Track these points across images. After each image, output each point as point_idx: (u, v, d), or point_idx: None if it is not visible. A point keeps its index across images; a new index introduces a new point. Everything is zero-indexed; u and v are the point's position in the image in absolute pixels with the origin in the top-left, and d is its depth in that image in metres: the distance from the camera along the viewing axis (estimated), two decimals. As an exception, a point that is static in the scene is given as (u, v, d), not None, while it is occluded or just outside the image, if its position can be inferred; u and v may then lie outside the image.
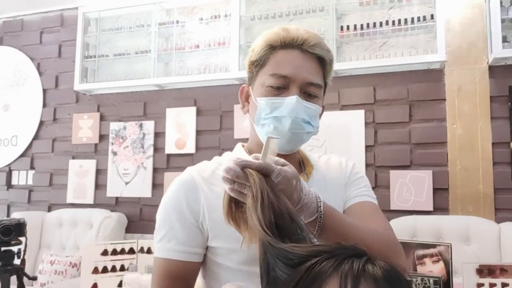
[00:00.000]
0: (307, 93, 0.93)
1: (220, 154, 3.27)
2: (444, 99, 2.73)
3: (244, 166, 0.72)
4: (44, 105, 3.73)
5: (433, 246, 1.81)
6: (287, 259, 0.54)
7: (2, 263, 1.74)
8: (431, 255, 1.80)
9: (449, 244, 1.74)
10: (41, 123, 3.72)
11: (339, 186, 1.02)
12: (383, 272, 0.50)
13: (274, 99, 0.92)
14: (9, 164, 3.76)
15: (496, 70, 2.64)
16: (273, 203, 0.66)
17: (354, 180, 1.05)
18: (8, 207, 3.70)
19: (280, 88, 0.92)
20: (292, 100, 0.90)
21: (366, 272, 0.49)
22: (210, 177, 0.94)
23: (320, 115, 1.00)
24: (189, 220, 0.90)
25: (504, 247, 2.38)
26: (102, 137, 3.51)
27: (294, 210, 0.69)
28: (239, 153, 1.01)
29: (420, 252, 1.84)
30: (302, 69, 0.92)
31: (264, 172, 0.72)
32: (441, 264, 1.76)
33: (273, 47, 0.94)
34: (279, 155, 0.88)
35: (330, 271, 0.50)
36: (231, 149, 3.20)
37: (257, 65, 0.96)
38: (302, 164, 1.05)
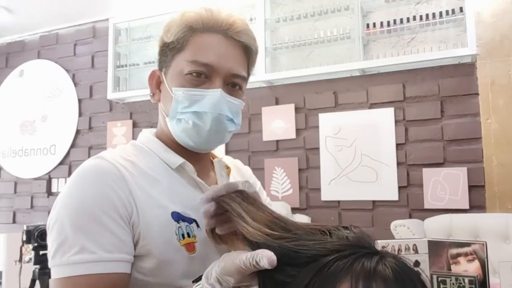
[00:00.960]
0: (231, 85, 0.83)
1: (250, 158, 3.27)
2: (477, 94, 2.64)
3: (214, 199, 0.70)
4: (80, 115, 3.86)
5: (467, 244, 1.75)
6: (295, 258, 0.53)
7: (41, 266, 1.83)
8: (466, 254, 1.75)
9: (484, 242, 1.69)
10: (78, 132, 3.86)
11: None
12: (394, 273, 0.49)
13: (195, 90, 0.79)
14: (48, 172, 3.92)
15: (532, 61, 2.54)
16: (257, 209, 0.65)
17: (259, 189, 1.01)
18: (49, 213, 3.84)
19: (201, 78, 0.80)
20: (216, 94, 0.79)
21: (377, 274, 0.49)
22: (132, 168, 0.77)
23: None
24: (123, 218, 0.71)
25: (546, 245, 2.28)
26: (135, 143, 3.60)
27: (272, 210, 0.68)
28: (152, 142, 0.86)
29: (454, 251, 1.79)
30: (227, 58, 0.81)
31: (232, 190, 0.71)
32: (476, 263, 1.70)
33: (193, 29, 0.81)
34: (193, 154, 0.85)
35: (341, 273, 0.49)
36: (260, 152, 3.18)
37: (172, 48, 0.83)
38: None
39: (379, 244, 1.62)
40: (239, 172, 1.02)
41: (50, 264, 0.72)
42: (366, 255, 0.51)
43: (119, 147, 0.84)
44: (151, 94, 0.89)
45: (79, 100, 3.88)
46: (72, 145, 3.85)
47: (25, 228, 1.72)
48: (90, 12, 3.75)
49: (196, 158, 0.87)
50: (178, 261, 0.75)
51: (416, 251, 1.72)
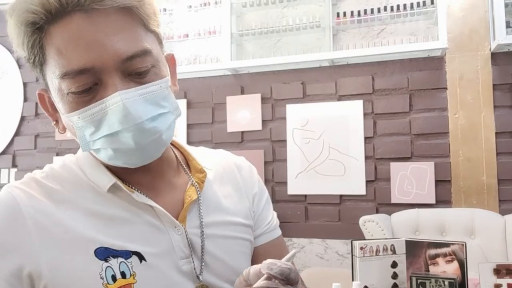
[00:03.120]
0: (135, 72, 0.59)
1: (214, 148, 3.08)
2: (446, 88, 2.63)
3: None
4: (25, 99, 3.54)
5: (446, 245, 1.71)
6: None
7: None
8: (445, 255, 1.71)
9: (464, 243, 1.65)
10: (23, 118, 3.53)
11: (239, 204, 0.76)
12: None
13: (90, 109, 0.57)
14: (-11, 162, 3.58)
15: (499, 57, 2.55)
16: None
17: (264, 202, 0.81)
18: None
19: (89, 89, 0.57)
20: (115, 101, 0.56)
21: None
22: (46, 197, 0.61)
23: (174, 79, 0.68)
24: (7, 277, 0.56)
25: (510, 239, 2.31)
26: (88, 132, 3.35)
27: None
28: (84, 159, 0.67)
29: (433, 251, 1.75)
30: (104, 43, 0.56)
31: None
32: (455, 264, 1.67)
33: (38, 26, 0.56)
34: (128, 170, 0.64)
35: None
36: (224, 144, 3.03)
37: (33, 62, 0.60)
38: (183, 164, 0.74)
39: (358, 245, 1.52)
40: (231, 176, 0.78)
41: None
42: None
43: (46, 168, 0.66)
44: (54, 122, 0.66)
45: (24, 84, 3.55)
46: (16, 133, 3.53)
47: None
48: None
49: (146, 168, 0.65)
50: None
51: (394, 251, 1.66)
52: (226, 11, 2.94)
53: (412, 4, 2.67)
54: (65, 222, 0.59)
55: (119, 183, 0.63)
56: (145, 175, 0.67)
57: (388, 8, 2.72)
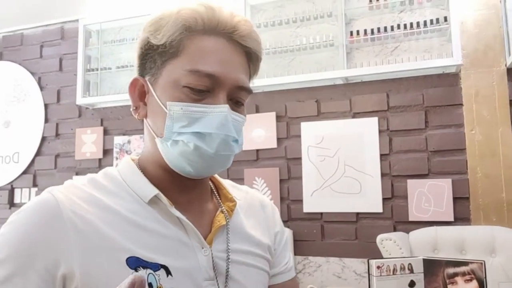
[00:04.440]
0: (235, 100, 0.69)
1: (228, 168, 3.12)
2: (461, 104, 2.62)
3: None
4: (46, 121, 3.63)
5: (465, 263, 1.69)
6: None
7: None
8: (463, 274, 1.68)
9: (483, 262, 1.62)
10: (43, 139, 3.62)
11: (261, 237, 0.79)
12: None
13: (196, 106, 0.65)
14: (11, 182, 3.66)
15: (515, 73, 2.53)
16: None
17: (284, 242, 0.86)
18: (11, 226, 3.59)
19: (203, 91, 0.66)
20: (223, 111, 0.66)
21: None
22: (86, 204, 0.64)
23: None
24: (38, 271, 0.58)
25: (532, 258, 2.25)
26: (106, 151, 3.41)
27: None
28: (126, 169, 0.72)
29: (451, 270, 1.72)
30: (233, 67, 0.68)
31: None
32: (474, 283, 1.64)
33: (191, 30, 0.67)
34: (183, 181, 0.70)
35: None
36: (239, 162, 3.04)
37: (163, 52, 0.68)
38: (215, 192, 0.80)
39: (375, 264, 1.51)
40: (254, 211, 0.82)
41: None
42: None
43: (86, 177, 0.70)
44: (134, 108, 0.72)
45: (46, 105, 3.64)
46: (37, 153, 3.61)
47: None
48: (59, 12, 3.53)
49: (188, 185, 0.71)
50: None
51: (411, 270, 1.64)
52: (240, 31, 2.98)
53: (425, 22, 2.68)
54: (102, 229, 0.62)
55: (161, 195, 0.68)
56: (183, 193, 0.71)
57: (402, 26, 2.74)
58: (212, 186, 0.80)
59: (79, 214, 0.62)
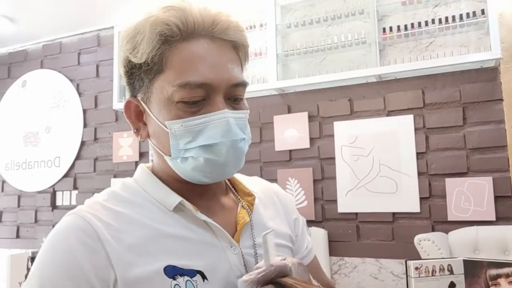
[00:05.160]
0: (233, 97, 0.67)
1: (262, 169, 3.12)
2: (501, 99, 2.52)
3: (263, 283, 0.59)
4: (85, 125, 3.76)
5: (508, 265, 1.63)
6: None
7: None
8: (507, 275, 1.62)
9: (528, 263, 1.56)
10: (82, 143, 3.75)
11: (281, 227, 0.80)
12: None
13: (195, 119, 0.63)
14: (53, 185, 3.80)
15: (560, 65, 2.42)
16: None
17: (302, 226, 0.86)
18: (54, 228, 3.73)
19: (199, 102, 0.64)
20: (223, 117, 0.64)
21: None
22: (114, 221, 0.64)
23: None
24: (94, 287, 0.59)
25: None
26: (142, 154, 3.49)
27: None
28: (145, 180, 0.72)
29: (493, 271, 1.66)
30: (222, 68, 0.65)
31: (283, 274, 0.60)
32: (519, 285, 1.58)
33: (169, 41, 0.64)
34: (199, 186, 0.70)
35: None
36: (272, 162, 3.05)
37: (147, 69, 0.65)
38: (231, 188, 0.79)
39: (413, 265, 1.48)
40: (271, 201, 0.83)
41: None
42: None
43: (106, 191, 0.70)
44: (135, 131, 0.71)
45: (84, 111, 3.77)
46: (77, 157, 3.74)
47: (30, 254, 1.59)
48: (94, 20, 3.65)
49: (205, 189, 0.72)
50: None
51: (451, 271, 1.60)
52: (271, 32, 2.99)
53: (461, 15, 2.60)
54: (134, 244, 0.62)
55: (185, 201, 0.68)
56: (201, 197, 0.71)
57: (436, 21, 2.67)
58: (226, 181, 0.79)
59: (111, 232, 0.62)
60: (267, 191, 0.84)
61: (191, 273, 0.63)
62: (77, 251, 0.59)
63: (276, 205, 0.83)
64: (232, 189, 0.79)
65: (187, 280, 0.62)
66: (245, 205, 0.75)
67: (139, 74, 0.67)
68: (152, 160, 3.39)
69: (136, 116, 0.70)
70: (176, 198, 0.68)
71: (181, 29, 0.64)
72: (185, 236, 0.66)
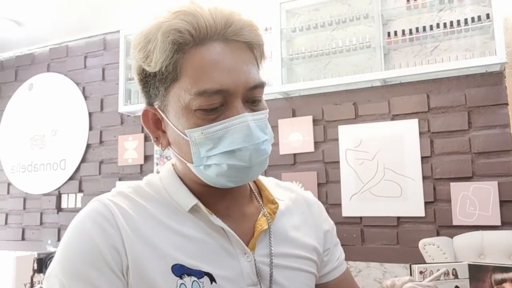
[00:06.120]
0: (251, 100, 0.65)
1: (266, 172, 3.13)
2: (507, 104, 2.51)
3: None
4: (91, 128, 3.78)
5: (513, 269, 1.61)
6: None
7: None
8: (512, 280, 1.61)
9: (533, 268, 1.55)
10: (88, 146, 3.77)
11: (306, 238, 0.77)
12: None
13: (215, 125, 0.62)
14: (58, 188, 3.82)
15: None
16: None
17: (334, 239, 0.85)
18: (59, 230, 3.75)
19: (217, 108, 0.63)
20: (243, 122, 0.62)
21: None
22: (134, 211, 0.66)
23: None
24: (113, 269, 0.61)
25: None
26: (147, 157, 3.51)
27: None
28: (168, 178, 0.72)
29: (499, 276, 1.65)
30: (239, 71, 0.63)
31: None
32: (524, 290, 1.57)
33: (182, 48, 0.62)
34: (224, 189, 0.69)
35: None
36: (277, 166, 3.05)
37: (162, 78, 0.64)
38: (256, 193, 0.77)
39: (417, 268, 1.48)
40: (299, 210, 0.80)
41: None
42: None
43: (132, 184, 0.72)
44: (155, 139, 0.70)
45: (90, 114, 3.80)
46: (83, 160, 3.76)
47: (36, 256, 1.60)
48: (101, 24, 3.68)
49: (227, 193, 0.71)
50: None
51: (456, 276, 1.59)
52: (276, 36, 3.01)
53: (466, 20, 2.60)
54: (149, 237, 0.64)
55: (200, 204, 0.68)
56: (221, 201, 0.71)
57: (441, 25, 2.67)
58: (253, 187, 0.78)
59: (129, 221, 0.64)
60: (297, 199, 0.82)
61: (199, 274, 0.63)
62: (94, 234, 0.61)
63: (304, 213, 0.81)
64: (257, 195, 0.78)
65: (194, 281, 0.63)
66: (266, 213, 0.74)
67: (154, 83, 0.66)
68: (157, 164, 3.40)
69: (155, 125, 0.70)
70: (192, 200, 0.68)
71: (193, 35, 0.62)
72: (198, 238, 0.66)
